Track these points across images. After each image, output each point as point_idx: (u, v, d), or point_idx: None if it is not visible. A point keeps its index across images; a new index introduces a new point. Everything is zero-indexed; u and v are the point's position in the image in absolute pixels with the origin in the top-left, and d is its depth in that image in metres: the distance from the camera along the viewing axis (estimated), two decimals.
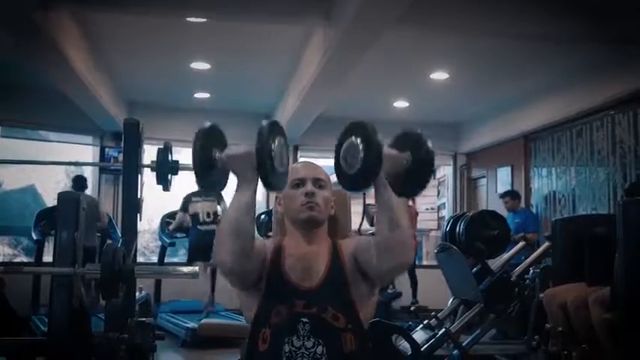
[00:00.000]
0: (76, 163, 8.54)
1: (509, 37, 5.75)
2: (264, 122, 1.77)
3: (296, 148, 9.47)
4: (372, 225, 6.30)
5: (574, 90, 7.00)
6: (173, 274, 4.15)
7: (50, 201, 8.76)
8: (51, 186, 10.04)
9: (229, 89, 7.97)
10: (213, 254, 7.59)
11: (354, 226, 4.69)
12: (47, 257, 7.00)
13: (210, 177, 1.85)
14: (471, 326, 5.23)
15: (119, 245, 2.62)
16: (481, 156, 9.70)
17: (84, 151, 8.99)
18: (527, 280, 5.31)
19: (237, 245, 1.74)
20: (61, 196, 2.78)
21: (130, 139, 3.65)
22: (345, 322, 1.83)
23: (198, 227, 7.43)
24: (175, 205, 7.93)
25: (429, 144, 1.87)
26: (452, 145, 9.99)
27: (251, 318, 1.89)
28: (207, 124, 1.88)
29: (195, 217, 7.47)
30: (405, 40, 5.89)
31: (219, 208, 7.45)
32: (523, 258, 5.69)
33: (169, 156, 3.73)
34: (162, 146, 3.76)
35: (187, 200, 7.53)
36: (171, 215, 7.99)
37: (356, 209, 1.99)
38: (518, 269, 5.37)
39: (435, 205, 11.14)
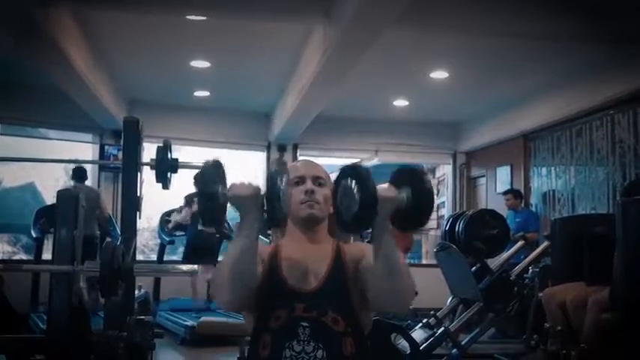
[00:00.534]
0: (75, 161, 8.52)
1: (509, 37, 5.75)
2: (273, 169, 1.78)
3: (295, 147, 9.47)
4: None
5: (574, 89, 7.00)
6: (172, 272, 4.16)
7: (50, 199, 8.76)
8: (50, 183, 10.05)
9: (229, 88, 7.97)
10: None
11: None
12: (46, 255, 7.00)
13: (213, 214, 1.80)
14: (470, 325, 5.23)
15: (118, 243, 2.62)
16: (481, 155, 9.70)
17: (84, 149, 8.99)
18: (527, 280, 5.32)
19: (239, 288, 1.75)
20: (60, 193, 2.78)
21: (130, 137, 3.65)
22: (345, 326, 1.83)
23: (199, 227, 7.44)
24: (174, 203, 7.94)
25: (427, 178, 1.81)
26: (451, 144, 9.99)
27: (250, 324, 1.89)
28: (211, 160, 1.82)
29: (195, 216, 7.47)
30: (404, 39, 5.89)
31: None
32: (522, 257, 5.70)
33: (169, 154, 3.72)
34: (161, 144, 3.76)
35: (190, 199, 7.53)
36: (170, 213, 7.99)
37: None
38: (518, 268, 5.38)
39: (434, 204, 11.14)
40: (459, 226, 5.36)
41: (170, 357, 6.14)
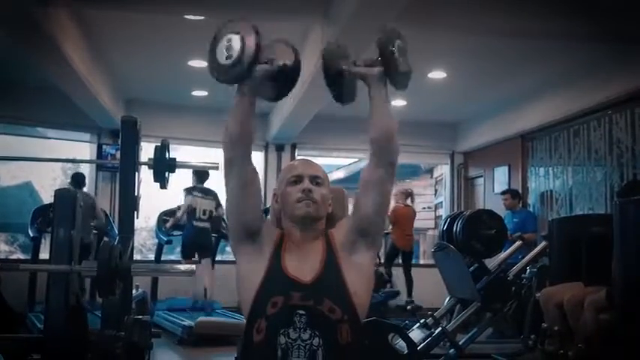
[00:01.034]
0: (73, 160, 8.53)
1: (507, 37, 5.75)
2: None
3: (294, 146, 9.47)
4: None
5: (571, 90, 7.00)
6: (170, 271, 4.16)
7: (47, 198, 8.73)
8: (48, 183, 10.04)
9: (227, 87, 7.94)
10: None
11: None
12: (44, 254, 6.99)
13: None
14: (468, 325, 5.24)
15: (116, 243, 2.62)
16: (478, 155, 9.71)
17: (81, 149, 8.97)
18: (524, 280, 5.33)
19: (236, 128, 1.99)
20: (58, 193, 2.78)
21: (128, 136, 3.64)
22: (342, 314, 1.84)
23: (194, 223, 7.46)
24: (172, 203, 7.93)
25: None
26: (449, 144, 9.99)
27: (247, 308, 1.89)
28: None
29: (192, 211, 7.48)
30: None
31: (214, 209, 7.49)
32: (520, 257, 5.71)
33: (167, 153, 3.73)
34: (159, 144, 3.76)
35: (190, 190, 7.56)
36: (168, 213, 7.98)
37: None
38: (515, 268, 5.39)
39: (432, 204, 11.15)
40: (457, 226, 5.37)
41: (167, 357, 6.13)
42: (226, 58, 1.91)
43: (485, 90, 7.81)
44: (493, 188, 8.98)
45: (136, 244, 3.88)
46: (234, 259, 2.02)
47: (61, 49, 5.51)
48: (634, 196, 4.39)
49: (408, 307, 7.74)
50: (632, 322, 3.59)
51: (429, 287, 6.66)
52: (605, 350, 3.93)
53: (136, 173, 3.64)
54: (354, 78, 2.01)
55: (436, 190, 11.15)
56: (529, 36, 5.68)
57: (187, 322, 6.63)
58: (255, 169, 2.00)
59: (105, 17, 5.78)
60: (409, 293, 8.36)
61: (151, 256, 8.65)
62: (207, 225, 7.50)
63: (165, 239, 7.85)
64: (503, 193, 7.91)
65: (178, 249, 8.08)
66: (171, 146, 3.85)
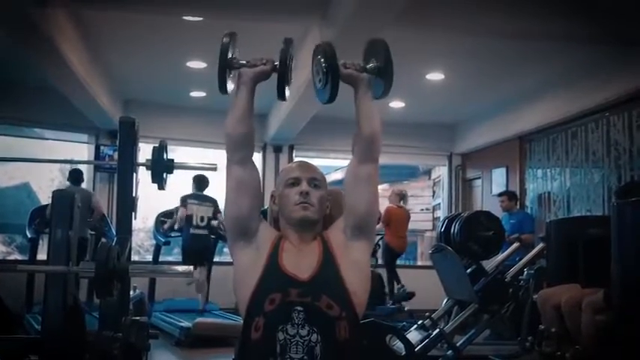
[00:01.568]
0: (71, 161, 8.50)
1: (505, 38, 5.76)
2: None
3: (291, 148, 9.47)
4: None
5: (569, 91, 7.01)
6: (168, 272, 4.15)
7: (45, 199, 8.73)
8: (46, 184, 10.03)
9: None
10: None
11: None
12: (41, 255, 6.98)
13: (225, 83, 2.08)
14: (465, 327, 5.24)
15: (113, 243, 2.61)
16: (476, 157, 9.72)
17: (79, 149, 8.97)
18: (522, 281, 5.33)
19: (237, 114, 2.04)
20: (56, 194, 2.78)
21: (126, 137, 3.64)
22: (340, 311, 1.85)
23: (191, 230, 7.45)
24: (170, 204, 7.93)
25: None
26: (447, 146, 10.00)
27: (245, 306, 1.90)
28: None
29: (189, 219, 7.47)
30: (400, 41, 5.84)
31: (212, 216, 7.48)
32: (518, 259, 5.71)
33: (164, 154, 3.72)
34: (157, 144, 3.76)
35: (185, 200, 7.55)
36: (166, 214, 7.98)
37: None
38: (513, 270, 5.39)
39: (429, 205, 11.16)
40: (455, 228, 5.37)
41: (165, 358, 6.13)
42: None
43: (483, 91, 7.82)
44: (491, 190, 8.99)
45: (133, 245, 3.89)
46: (231, 261, 2.03)
47: (59, 50, 5.51)
48: (632, 197, 4.40)
49: (403, 290, 7.74)
50: (630, 323, 3.59)
51: (427, 289, 6.65)
52: (603, 351, 3.94)
53: (134, 174, 3.63)
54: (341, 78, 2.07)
55: (434, 192, 11.15)
56: (527, 37, 5.69)
57: (185, 324, 6.63)
58: (255, 170, 2.02)
59: (103, 18, 5.78)
60: (398, 281, 8.35)
61: (149, 257, 8.65)
62: (204, 232, 7.48)
63: (163, 240, 7.84)
64: (500, 195, 7.92)
65: (176, 250, 8.09)
66: (169, 147, 3.85)
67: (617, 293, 3.77)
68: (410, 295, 7.77)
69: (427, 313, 5.43)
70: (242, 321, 1.93)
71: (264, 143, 9.41)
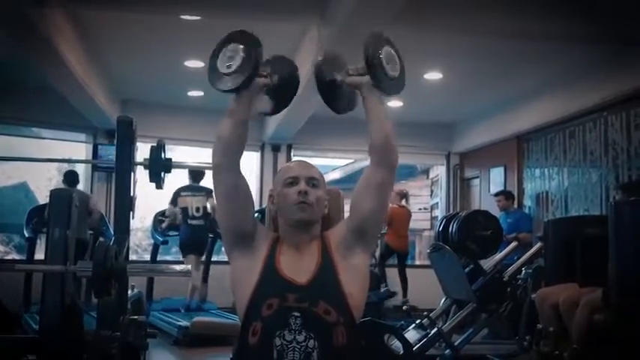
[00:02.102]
0: (69, 161, 8.51)
1: (503, 38, 5.76)
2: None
3: (290, 147, 9.46)
4: None
5: (567, 91, 7.02)
6: (165, 272, 4.15)
7: (43, 198, 8.72)
8: (43, 183, 10.02)
9: None
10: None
11: None
12: (39, 255, 6.97)
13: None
14: (464, 326, 5.24)
15: (111, 243, 2.61)
16: (474, 156, 9.72)
17: (77, 149, 8.96)
18: (520, 281, 5.33)
19: (227, 138, 1.94)
20: (53, 193, 2.78)
21: (124, 136, 3.64)
22: (337, 317, 1.84)
23: (188, 222, 7.46)
24: (167, 203, 7.92)
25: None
26: (445, 145, 10.00)
27: (242, 311, 1.89)
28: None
29: (184, 211, 7.48)
30: (398, 40, 5.83)
31: (208, 205, 7.47)
32: (516, 258, 5.71)
33: (162, 154, 3.72)
34: (155, 144, 3.76)
35: (177, 194, 7.55)
36: (164, 213, 7.98)
37: (348, 207, 2.02)
38: (511, 269, 5.39)
39: (428, 204, 11.16)
40: (453, 227, 5.37)
41: (163, 357, 6.12)
42: (227, 67, 1.90)
43: (482, 91, 7.82)
44: (489, 189, 8.99)
45: (131, 244, 3.89)
46: (228, 260, 2.02)
47: (57, 50, 5.50)
48: (635, 194, 4.41)
49: (404, 308, 7.74)
50: (628, 322, 3.60)
51: (425, 288, 6.66)
52: (600, 351, 3.94)
53: (132, 173, 3.63)
54: (348, 88, 2.03)
55: (432, 191, 11.15)
56: (525, 37, 5.69)
57: (183, 323, 6.63)
58: (242, 174, 2.01)
59: (101, 18, 5.77)
60: (404, 294, 8.37)
61: (147, 257, 8.64)
62: (201, 222, 7.48)
63: (160, 240, 7.84)
64: (497, 194, 7.93)
65: (174, 249, 8.09)
66: (167, 146, 3.85)
67: (615, 292, 3.77)
68: (390, 295, 8.06)
69: (425, 312, 5.44)
70: (240, 323, 1.93)
71: (262, 143, 9.40)
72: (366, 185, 1.96)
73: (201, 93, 8.27)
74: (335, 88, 2.02)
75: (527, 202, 8.21)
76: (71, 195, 2.72)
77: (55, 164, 9.73)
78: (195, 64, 6.94)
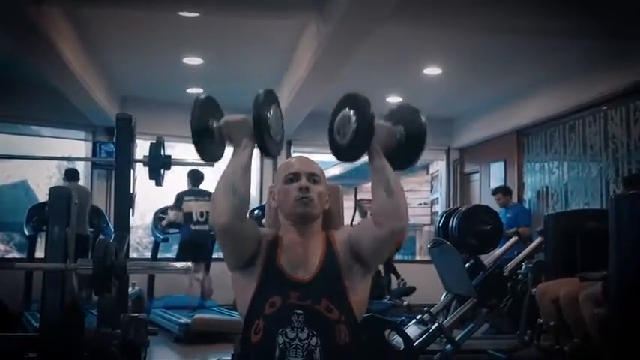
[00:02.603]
0: (68, 159, 8.51)
1: (502, 33, 5.75)
2: (260, 91, 1.89)
3: (289, 144, 9.46)
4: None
5: (567, 85, 7.01)
6: (166, 269, 4.15)
7: (43, 196, 8.71)
8: (43, 181, 10.01)
9: (222, 84, 7.94)
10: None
11: (347, 220, 4.69)
12: (40, 253, 6.98)
13: (208, 148, 1.95)
14: (464, 321, 5.24)
15: (111, 240, 2.61)
16: (474, 151, 9.72)
17: (76, 147, 8.96)
18: (520, 275, 5.33)
19: (233, 203, 1.80)
20: (53, 191, 2.77)
21: (123, 134, 3.64)
22: (339, 314, 1.84)
23: (191, 227, 7.43)
24: (168, 200, 7.92)
25: (423, 118, 1.96)
26: (445, 140, 9.99)
27: (245, 309, 1.89)
28: (203, 94, 2.01)
29: (188, 216, 7.45)
30: (398, 36, 5.88)
31: None
32: (516, 253, 5.71)
33: (162, 151, 3.72)
34: (154, 141, 3.76)
35: (180, 198, 7.51)
36: (164, 211, 7.97)
37: (348, 204, 2.01)
38: (511, 264, 5.38)
39: (428, 200, 11.16)
40: (453, 222, 5.36)
41: (164, 354, 6.13)
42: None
43: (481, 86, 7.82)
44: (489, 184, 8.99)
45: (132, 242, 3.90)
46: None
47: (55, 47, 5.50)
48: (637, 187, 4.41)
49: (405, 303, 7.73)
50: (628, 316, 3.60)
51: (426, 283, 6.66)
52: (601, 344, 3.94)
53: (131, 171, 3.63)
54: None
55: (432, 186, 11.15)
56: (524, 33, 5.69)
57: (184, 320, 6.63)
58: (251, 222, 1.95)
59: (99, 15, 5.76)
60: (397, 276, 8.32)
61: (148, 254, 8.65)
62: (205, 228, 7.43)
63: (161, 237, 7.84)
64: (495, 193, 7.91)
65: (175, 247, 8.08)
66: (167, 144, 3.84)
67: (615, 286, 3.77)
68: (410, 290, 7.73)
69: (426, 308, 5.43)
70: (241, 320, 1.93)
71: None
72: (368, 228, 1.91)
73: (200, 90, 8.25)
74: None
75: (528, 196, 8.21)
76: (70, 193, 2.71)
77: (55, 162, 9.73)
78: (193, 60, 6.94)
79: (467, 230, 5.24)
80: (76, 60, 6.17)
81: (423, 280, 7.17)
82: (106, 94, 7.75)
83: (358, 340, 1.89)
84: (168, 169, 3.75)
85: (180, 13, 5.67)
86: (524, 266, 5.37)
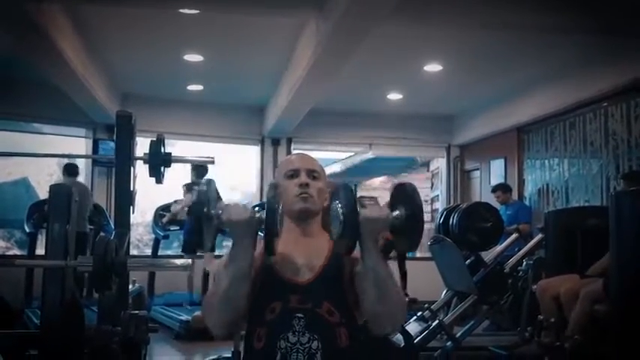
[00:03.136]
0: (69, 155, 8.50)
1: (503, 29, 5.74)
2: (270, 195, 1.75)
3: (289, 141, 9.45)
4: None
5: (567, 82, 7.00)
6: (166, 266, 4.16)
7: (43, 193, 8.72)
8: (44, 178, 10.01)
9: (222, 81, 7.95)
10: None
11: None
12: (40, 250, 6.98)
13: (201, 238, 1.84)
14: (465, 318, 5.25)
15: (112, 238, 2.61)
16: (475, 148, 9.71)
17: (77, 144, 8.96)
18: (521, 272, 5.33)
19: (229, 316, 1.80)
20: (53, 188, 2.77)
21: (123, 131, 3.64)
22: (340, 317, 1.84)
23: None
24: (168, 198, 7.92)
25: (418, 197, 1.80)
26: (445, 137, 9.99)
27: (246, 318, 1.88)
28: (204, 187, 1.86)
29: (192, 208, 7.45)
30: (398, 33, 5.88)
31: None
32: (516, 250, 5.71)
33: (162, 148, 3.72)
34: (155, 138, 3.75)
35: (189, 188, 7.51)
36: (164, 208, 7.97)
37: None
38: (512, 261, 5.39)
39: (428, 197, 11.16)
40: (453, 219, 5.36)
41: (165, 351, 6.14)
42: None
43: (482, 83, 7.81)
44: (489, 181, 8.98)
45: (132, 239, 3.90)
46: None
47: (55, 45, 5.50)
48: (637, 182, 4.40)
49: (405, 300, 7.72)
50: (628, 313, 3.60)
51: (426, 280, 6.66)
52: (600, 341, 3.95)
53: (132, 168, 3.63)
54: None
55: (432, 184, 11.14)
56: (524, 29, 5.68)
57: (184, 317, 6.64)
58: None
59: (100, 12, 5.76)
60: (404, 287, 8.36)
61: (148, 252, 8.65)
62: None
63: (162, 234, 7.85)
64: (494, 190, 7.91)
65: (175, 244, 8.09)
66: (167, 141, 3.84)
67: (615, 283, 3.77)
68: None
69: (426, 305, 5.43)
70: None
71: (262, 136, 9.39)
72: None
73: (200, 87, 8.26)
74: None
75: (528, 193, 8.21)
76: (70, 190, 2.71)
77: (56, 160, 9.71)
78: (194, 57, 6.93)
79: (467, 227, 5.24)
80: (77, 58, 6.17)
81: (424, 277, 7.17)
82: (106, 91, 7.75)
83: (358, 342, 1.88)
84: (169, 166, 3.75)
85: (181, 11, 5.66)
86: (524, 263, 5.37)
